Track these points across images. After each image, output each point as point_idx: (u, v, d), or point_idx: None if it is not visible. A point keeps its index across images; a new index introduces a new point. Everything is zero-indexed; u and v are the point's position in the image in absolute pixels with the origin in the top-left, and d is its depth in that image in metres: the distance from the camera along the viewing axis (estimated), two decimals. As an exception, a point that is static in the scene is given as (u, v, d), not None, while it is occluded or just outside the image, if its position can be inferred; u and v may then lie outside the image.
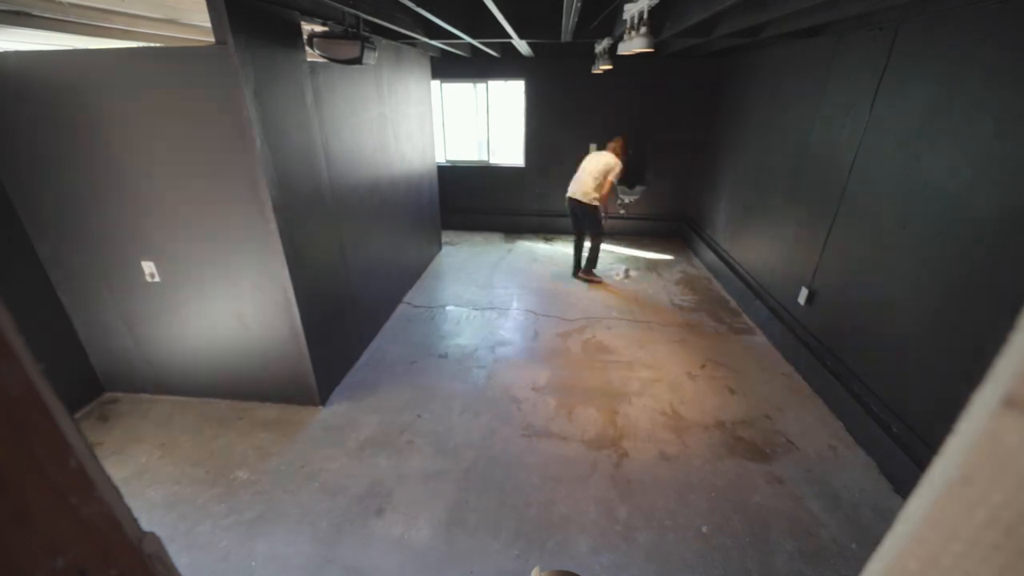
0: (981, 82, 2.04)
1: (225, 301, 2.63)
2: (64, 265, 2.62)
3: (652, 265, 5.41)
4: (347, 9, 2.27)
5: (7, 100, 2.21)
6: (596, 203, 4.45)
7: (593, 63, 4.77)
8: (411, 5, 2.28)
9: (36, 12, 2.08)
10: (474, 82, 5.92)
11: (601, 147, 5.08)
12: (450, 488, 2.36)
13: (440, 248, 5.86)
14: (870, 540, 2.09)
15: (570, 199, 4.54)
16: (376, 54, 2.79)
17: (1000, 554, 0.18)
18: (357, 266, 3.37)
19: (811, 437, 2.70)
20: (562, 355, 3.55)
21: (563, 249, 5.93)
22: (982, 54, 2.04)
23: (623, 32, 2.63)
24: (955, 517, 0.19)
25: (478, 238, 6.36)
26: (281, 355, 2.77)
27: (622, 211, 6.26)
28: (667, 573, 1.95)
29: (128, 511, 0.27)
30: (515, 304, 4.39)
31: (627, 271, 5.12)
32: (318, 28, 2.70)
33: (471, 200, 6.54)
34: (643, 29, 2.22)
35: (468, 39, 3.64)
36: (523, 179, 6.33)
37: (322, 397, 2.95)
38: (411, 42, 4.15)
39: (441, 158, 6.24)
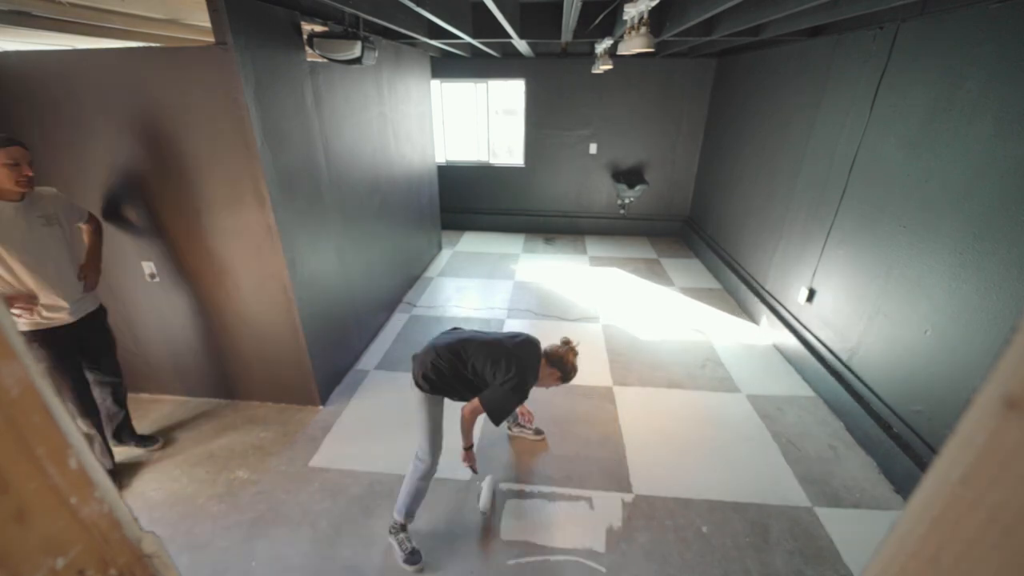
0: (981, 82, 2.04)
1: (225, 301, 2.63)
2: (64, 265, 2.62)
3: (651, 265, 5.41)
4: (347, 9, 2.27)
5: (7, 100, 2.22)
6: None
7: (593, 63, 4.77)
8: (411, 5, 2.28)
9: (36, 12, 2.08)
10: (474, 81, 5.92)
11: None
12: (450, 488, 2.36)
13: (440, 248, 5.86)
14: (870, 540, 2.09)
15: None
16: (376, 54, 2.79)
17: (999, 554, 0.18)
18: (357, 266, 3.37)
19: (811, 437, 2.70)
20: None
21: (564, 249, 5.93)
22: (982, 54, 2.04)
23: (623, 32, 2.63)
24: (955, 517, 0.19)
25: (478, 238, 6.36)
26: (281, 355, 2.77)
27: (622, 211, 6.26)
28: (667, 573, 1.95)
29: (128, 511, 0.27)
30: (515, 304, 4.39)
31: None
32: (318, 28, 2.70)
33: (471, 200, 6.54)
34: (643, 29, 2.22)
35: (468, 39, 3.64)
36: (523, 179, 6.34)
37: (322, 397, 2.95)
38: (411, 42, 4.15)
39: (441, 158, 6.24)
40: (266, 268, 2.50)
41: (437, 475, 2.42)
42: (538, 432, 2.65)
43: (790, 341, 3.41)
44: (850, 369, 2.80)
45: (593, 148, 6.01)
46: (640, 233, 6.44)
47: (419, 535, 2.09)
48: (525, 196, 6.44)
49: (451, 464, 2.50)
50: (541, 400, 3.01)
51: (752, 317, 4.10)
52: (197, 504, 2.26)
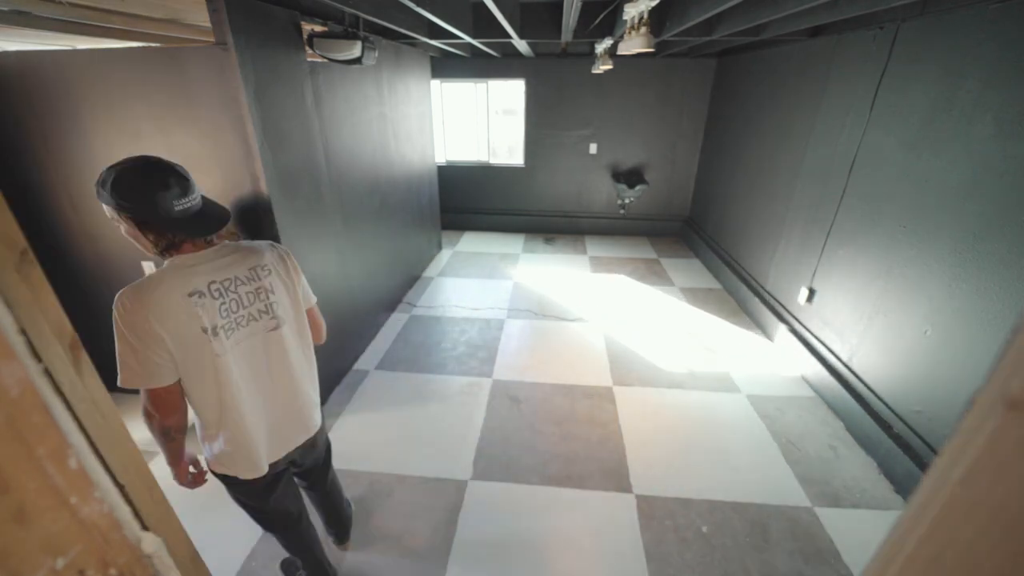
0: (981, 82, 2.04)
1: (225, 301, 2.63)
2: (63, 265, 2.62)
3: (651, 265, 5.41)
4: (347, 9, 2.27)
5: (7, 100, 2.22)
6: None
7: (593, 63, 4.77)
8: (411, 5, 2.28)
9: (36, 12, 2.07)
10: (474, 81, 5.92)
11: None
12: (449, 488, 2.36)
13: (440, 248, 5.86)
14: (870, 540, 2.09)
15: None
16: (376, 54, 2.79)
17: (1000, 554, 0.18)
18: (357, 266, 3.37)
19: (811, 437, 2.70)
20: (562, 355, 3.55)
21: (564, 249, 5.93)
22: (982, 54, 2.04)
23: (623, 32, 2.63)
24: (955, 517, 0.19)
25: (478, 238, 6.36)
26: (281, 355, 2.76)
27: (622, 211, 6.26)
28: (667, 573, 1.95)
29: (128, 511, 0.27)
30: (515, 304, 4.39)
31: None
32: (318, 28, 2.70)
33: (471, 200, 6.54)
34: (643, 29, 2.22)
35: (468, 39, 3.64)
36: (523, 179, 6.33)
37: (322, 397, 2.94)
38: (411, 42, 4.15)
39: (441, 158, 6.24)
40: (266, 268, 2.50)
41: (431, 475, 2.43)
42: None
43: (790, 341, 3.41)
44: (850, 369, 2.80)
45: (593, 148, 6.01)
46: (640, 233, 6.43)
47: (417, 539, 2.09)
48: (525, 196, 6.44)
49: (448, 465, 2.51)
50: (541, 399, 3.01)
51: (758, 323, 4.10)
52: (197, 504, 2.26)
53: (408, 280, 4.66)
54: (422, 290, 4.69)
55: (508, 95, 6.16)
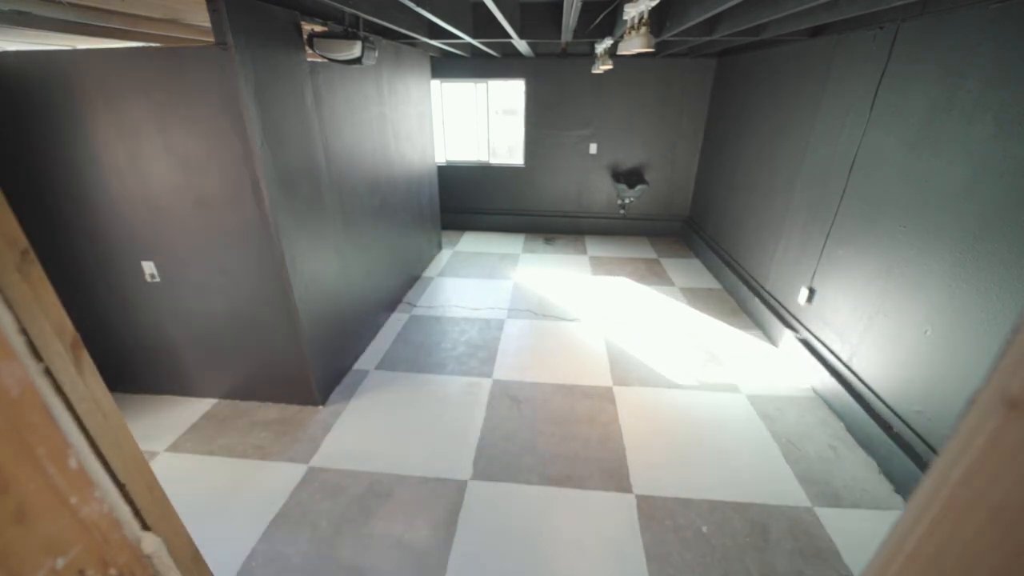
0: (981, 82, 2.04)
1: (225, 301, 2.63)
2: (63, 265, 2.63)
3: (651, 265, 5.41)
4: (347, 9, 2.27)
5: (7, 100, 2.22)
6: None
7: (593, 63, 4.77)
8: (411, 5, 2.28)
9: (36, 12, 2.07)
10: (474, 81, 5.92)
11: None
12: (449, 488, 2.36)
13: (440, 248, 5.86)
14: (870, 540, 2.09)
15: None
16: (376, 54, 2.79)
17: (999, 554, 0.18)
18: (357, 266, 3.37)
19: (811, 437, 2.70)
20: (562, 355, 3.55)
21: (564, 249, 5.93)
22: (982, 54, 2.04)
23: (623, 32, 2.63)
24: (955, 517, 0.19)
25: (478, 238, 6.36)
26: (281, 355, 2.77)
27: (622, 211, 6.26)
28: (667, 573, 1.95)
29: (128, 511, 0.27)
30: (515, 304, 4.39)
31: None
32: (318, 28, 2.70)
33: (471, 200, 6.54)
34: (643, 29, 2.22)
35: (468, 39, 3.64)
36: (523, 179, 6.33)
37: (322, 397, 2.95)
38: (411, 42, 4.15)
39: (441, 158, 6.24)
40: (266, 268, 2.50)
41: (431, 475, 2.43)
42: None
43: (790, 341, 3.41)
44: (850, 369, 2.80)
45: (593, 148, 6.01)
46: (640, 233, 6.44)
47: (417, 539, 2.09)
48: (525, 196, 6.44)
49: (449, 465, 2.51)
50: (541, 399, 3.01)
51: (759, 324, 4.10)
52: (197, 505, 2.26)
53: (408, 280, 4.66)
54: (422, 290, 4.69)
55: (508, 95, 6.16)
